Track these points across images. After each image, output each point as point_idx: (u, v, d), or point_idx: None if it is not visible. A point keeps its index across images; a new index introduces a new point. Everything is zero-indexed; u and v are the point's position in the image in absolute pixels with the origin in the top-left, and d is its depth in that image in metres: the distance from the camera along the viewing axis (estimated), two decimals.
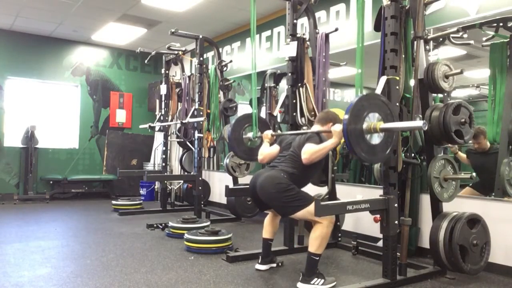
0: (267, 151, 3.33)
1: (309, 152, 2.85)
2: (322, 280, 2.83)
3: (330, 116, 3.15)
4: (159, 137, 7.63)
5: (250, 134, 3.76)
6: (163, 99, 6.55)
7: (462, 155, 4.35)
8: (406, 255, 3.05)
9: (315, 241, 2.82)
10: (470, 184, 4.09)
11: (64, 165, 7.63)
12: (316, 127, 3.16)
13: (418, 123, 2.47)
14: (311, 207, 2.78)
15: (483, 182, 4.02)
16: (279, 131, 3.53)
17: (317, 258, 2.85)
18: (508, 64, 3.54)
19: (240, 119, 3.85)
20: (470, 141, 3.88)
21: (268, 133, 3.48)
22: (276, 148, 3.28)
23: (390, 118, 2.63)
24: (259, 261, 3.30)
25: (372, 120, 2.53)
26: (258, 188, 3.00)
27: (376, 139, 2.57)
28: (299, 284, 2.85)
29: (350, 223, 4.38)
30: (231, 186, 4.71)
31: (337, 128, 2.76)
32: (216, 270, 3.25)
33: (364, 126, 2.51)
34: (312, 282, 2.82)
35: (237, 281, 2.99)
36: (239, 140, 3.78)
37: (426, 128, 2.43)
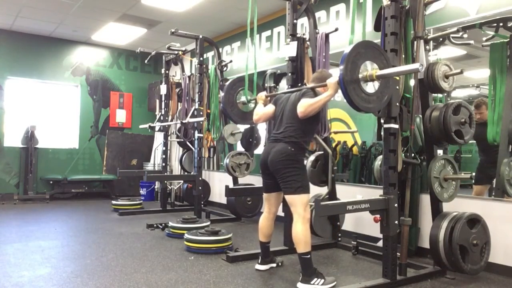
0: (262, 110, 3.31)
1: (305, 105, 2.84)
2: (322, 280, 2.83)
3: (324, 75, 3.12)
4: (159, 137, 7.63)
5: (243, 98, 3.72)
6: (163, 99, 6.56)
7: None
8: (406, 255, 3.05)
9: (300, 240, 2.85)
10: (473, 182, 4.08)
11: (64, 165, 7.63)
12: (310, 85, 3.13)
13: (414, 65, 2.42)
14: (305, 197, 2.89)
15: (485, 159, 3.99)
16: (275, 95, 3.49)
17: (309, 256, 2.85)
18: (508, 64, 3.53)
19: (233, 83, 3.79)
20: (475, 113, 3.89)
21: (262, 94, 3.44)
22: (271, 107, 3.25)
23: (386, 66, 2.61)
24: (259, 261, 3.30)
25: (368, 68, 2.52)
26: (269, 163, 3.02)
27: (372, 88, 2.55)
28: (299, 284, 2.85)
29: (350, 223, 4.38)
30: (231, 186, 4.72)
31: (333, 80, 2.73)
32: (216, 270, 3.25)
33: (360, 74, 2.49)
34: (312, 282, 2.82)
35: (237, 281, 2.99)
36: (233, 104, 3.74)
37: (422, 70, 2.41)
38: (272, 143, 3.09)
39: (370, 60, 2.55)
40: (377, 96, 2.60)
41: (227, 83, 3.84)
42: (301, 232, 2.85)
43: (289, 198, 2.96)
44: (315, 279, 2.83)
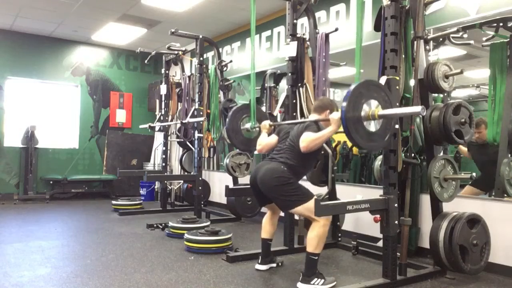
0: (265, 141, 3.32)
1: (307, 140, 2.84)
2: (322, 280, 2.83)
3: (326, 104, 3.15)
4: (159, 137, 7.63)
5: (248, 125, 3.74)
6: (163, 99, 6.55)
7: (463, 148, 4.35)
8: (406, 255, 3.05)
9: (313, 240, 2.83)
10: (470, 182, 4.09)
11: (64, 165, 7.63)
12: (313, 116, 3.15)
13: (416, 108, 2.43)
14: (310, 204, 2.80)
15: (483, 176, 4.02)
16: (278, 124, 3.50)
17: (316, 258, 2.85)
18: (508, 64, 3.53)
19: (238, 110, 3.81)
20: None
21: (266, 123, 3.46)
22: (274, 138, 3.27)
23: (388, 104, 2.61)
24: (259, 261, 3.30)
25: (370, 107, 2.52)
26: (259, 181, 3.01)
27: (374, 126, 2.55)
28: (299, 284, 2.86)
29: (350, 223, 4.38)
30: (231, 186, 4.71)
31: (335, 116, 2.73)
32: (216, 270, 3.25)
33: (362, 113, 2.49)
34: (312, 282, 2.82)
35: (237, 281, 2.99)
36: (237, 130, 3.76)
37: (424, 113, 2.42)
38: (266, 161, 3.11)
39: (373, 98, 2.53)
40: (379, 135, 2.58)
41: (232, 110, 3.86)
42: (316, 235, 2.83)
43: (298, 210, 2.92)
44: (315, 279, 2.83)
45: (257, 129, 3.65)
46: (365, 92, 2.52)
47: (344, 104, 2.43)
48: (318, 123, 3.02)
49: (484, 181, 4.00)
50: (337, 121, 2.72)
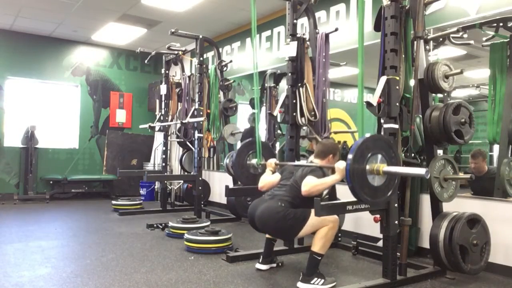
0: (268, 179, 3.33)
1: (310, 185, 2.83)
2: (322, 280, 2.84)
3: (329, 148, 3.17)
4: (159, 137, 7.63)
5: (254, 161, 3.80)
6: (163, 99, 6.55)
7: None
8: (406, 255, 3.04)
9: (319, 241, 2.85)
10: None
11: (64, 165, 7.63)
12: (315, 161, 3.16)
13: (421, 171, 2.46)
14: (310, 222, 2.84)
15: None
16: (283, 162, 3.54)
17: (320, 258, 2.86)
18: (508, 64, 3.54)
19: (246, 145, 3.89)
20: (470, 162, 3.87)
21: (272, 161, 3.49)
22: (277, 176, 3.28)
23: (394, 161, 2.63)
24: (260, 261, 3.30)
25: (376, 161, 2.54)
26: (256, 219, 3.01)
27: (378, 181, 2.58)
28: (299, 284, 2.86)
29: (350, 223, 4.38)
30: (231, 186, 4.72)
31: (341, 165, 2.73)
32: (216, 270, 3.25)
33: (368, 167, 2.52)
34: (312, 282, 2.82)
35: (237, 281, 2.99)
36: (243, 166, 3.82)
37: (428, 176, 2.45)
38: (264, 199, 3.09)
39: (379, 153, 2.56)
40: (382, 190, 2.60)
41: (240, 145, 3.92)
42: (324, 236, 2.84)
43: (303, 233, 2.92)
44: (315, 279, 2.84)
45: (262, 165, 3.70)
46: (372, 146, 2.55)
47: (350, 156, 2.45)
48: (323, 168, 3.02)
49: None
50: (342, 171, 2.72)
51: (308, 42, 3.93)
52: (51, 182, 7.32)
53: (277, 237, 3.12)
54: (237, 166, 3.80)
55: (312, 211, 2.71)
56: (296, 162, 3.54)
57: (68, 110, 7.91)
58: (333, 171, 2.90)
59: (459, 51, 5.04)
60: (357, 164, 2.48)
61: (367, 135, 2.62)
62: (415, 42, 3.09)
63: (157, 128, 6.66)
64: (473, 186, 4.21)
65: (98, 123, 8.05)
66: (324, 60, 3.79)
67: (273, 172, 3.41)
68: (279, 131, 5.77)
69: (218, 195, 6.68)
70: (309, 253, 2.89)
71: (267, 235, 3.29)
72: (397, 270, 2.93)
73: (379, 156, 2.56)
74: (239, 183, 5.39)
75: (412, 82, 3.10)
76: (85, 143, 7.90)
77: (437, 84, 3.09)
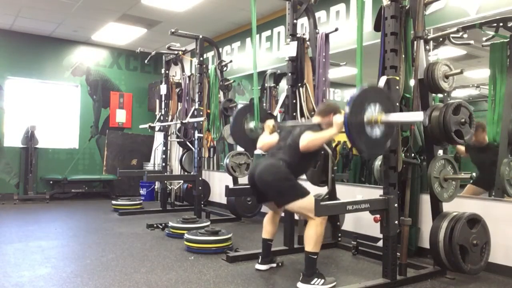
0: (266, 139, 3.33)
1: (307, 139, 2.86)
2: (322, 280, 2.84)
3: (331, 107, 3.15)
4: (159, 137, 7.63)
5: (252, 124, 3.75)
6: (163, 99, 6.55)
7: (461, 148, 4.34)
8: (406, 255, 3.05)
9: (311, 240, 2.86)
10: (471, 181, 4.08)
11: (64, 165, 7.63)
12: (316, 119, 3.16)
13: (419, 116, 2.45)
14: (306, 201, 2.85)
15: (483, 176, 4.02)
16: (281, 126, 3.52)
17: (315, 257, 2.87)
18: (508, 64, 3.54)
19: (242, 110, 3.82)
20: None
21: (270, 123, 3.46)
22: (275, 137, 3.28)
23: (391, 110, 2.62)
24: (259, 261, 3.30)
25: (373, 112, 2.54)
26: (256, 177, 3.00)
27: (376, 131, 2.57)
28: (299, 284, 2.86)
29: (350, 223, 4.38)
30: (231, 186, 4.71)
31: (338, 119, 2.77)
32: (216, 270, 3.25)
33: (365, 118, 2.51)
34: (312, 282, 2.82)
35: (237, 281, 2.99)
36: (241, 130, 3.77)
37: (426, 122, 2.43)
38: (265, 158, 3.11)
39: (375, 103, 2.55)
40: (381, 140, 2.60)
41: (236, 109, 3.86)
42: (314, 233, 2.86)
43: (295, 207, 2.95)
44: (315, 279, 2.84)
45: (260, 129, 3.66)
46: (369, 97, 2.54)
47: (347, 108, 2.44)
48: (322, 126, 3.03)
49: (484, 180, 3.99)
50: (339, 124, 2.74)
51: (308, 42, 3.93)
52: (51, 182, 7.32)
53: (271, 196, 3.05)
54: (235, 131, 3.74)
55: (312, 198, 2.77)
56: (294, 122, 3.51)
57: (68, 110, 7.91)
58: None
59: (459, 51, 5.04)
60: (355, 116, 2.47)
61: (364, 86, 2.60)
62: (415, 42, 3.09)
63: (157, 128, 6.66)
64: (473, 157, 4.22)
65: (98, 123, 8.05)
66: (324, 60, 3.79)
67: (271, 133, 3.40)
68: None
69: (218, 195, 6.68)
70: (304, 254, 2.90)
71: (263, 236, 3.29)
72: (397, 270, 2.93)
73: (376, 106, 2.55)
74: (239, 183, 5.40)
75: (412, 82, 3.10)
76: (85, 143, 7.90)
77: (437, 84, 3.09)
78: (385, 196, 2.88)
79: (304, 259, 2.90)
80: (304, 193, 2.90)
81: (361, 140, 2.50)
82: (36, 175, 7.26)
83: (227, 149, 6.33)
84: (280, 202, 3.04)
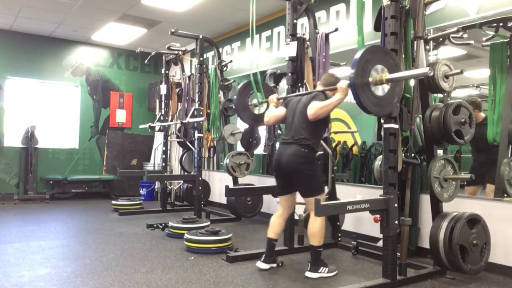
0: (273, 112, 3.39)
1: (315, 108, 2.95)
2: (327, 269, 3.09)
3: (334, 76, 3.24)
4: (159, 137, 7.63)
5: (255, 100, 3.76)
6: (163, 99, 6.55)
7: None
8: (406, 255, 3.05)
9: (317, 234, 3.07)
10: (466, 183, 4.06)
11: (64, 165, 7.63)
12: (320, 87, 3.23)
13: (423, 70, 2.47)
14: (320, 197, 2.92)
15: (477, 158, 3.99)
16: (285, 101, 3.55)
17: (320, 249, 3.11)
18: (508, 64, 3.53)
19: (245, 86, 3.82)
20: None
21: (274, 97, 3.51)
22: (282, 110, 3.33)
23: (395, 68, 2.64)
24: (262, 259, 3.31)
25: (378, 72, 2.56)
26: (285, 167, 3.12)
27: (382, 91, 2.59)
28: (307, 273, 3.07)
29: (350, 223, 4.38)
30: (231, 186, 4.71)
31: (343, 84, 2.84)
32: (216, 270, 3.25)
33: (370, 78, 2.53)
34: (319, 271, 3.08)
35: (237, 281, 2.99)
36: (245, 107, 3.78)
37: (432, 74, 2.44)
38: (284, 146, 3.19)
39: (379, 63, 2.57)
40: (387, 99, 2.64)
41: (239, 86, 3.86)
42: (318, 228, 3.07)
43: (306, 199, 3.19)
44: (322, 267, 3.09)
45: (265, 104, 3.68)
46: (372, 57, 2.56)
47: (352, 70, 2.46)
48: (325, 93, 3.10)
49: (478, 171, 3.93)
50: (344, 89, 2.83)
51: (308, 42, 3.93)
52: (51, 182, 7.32)
53: (296, 184, 3.17)
54: (239, 107, 3.76)
55: (324, 196, 3.09)
56: (297, 93, 3.57)
57: (68, 110, 7.91)
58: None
59: (459, 51, 5.04)
60: (360, 78, 2.49)
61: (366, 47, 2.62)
62: (415, 42, 3.09)
63: (157, 128, 6.66)
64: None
65: (98, 123, 8.05)
66: (324, 60, 3.79)
67: (276, 107, 3.44)
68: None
69: (218, 195, 6.68)
70: (310, 248, 3.12)
71: (268, 235, 3.30)
72: (397, 270, 2.93)
73: (379, 66, 2.57)
74: (239, 183, 5.41)
75: (412, 82, 3.10)
76: (85, 143, 7.90)
77: (437, 84, 3.09)
78: (385, 196, 2.88)
79: (311, 253, 3.12)
80: (320, 191, 3.13)
81: (369, 101, 2.53)
82: (36, 175, 7.26)
83: (227, 149, 6.32)
84: (303, 194, 3.18)
